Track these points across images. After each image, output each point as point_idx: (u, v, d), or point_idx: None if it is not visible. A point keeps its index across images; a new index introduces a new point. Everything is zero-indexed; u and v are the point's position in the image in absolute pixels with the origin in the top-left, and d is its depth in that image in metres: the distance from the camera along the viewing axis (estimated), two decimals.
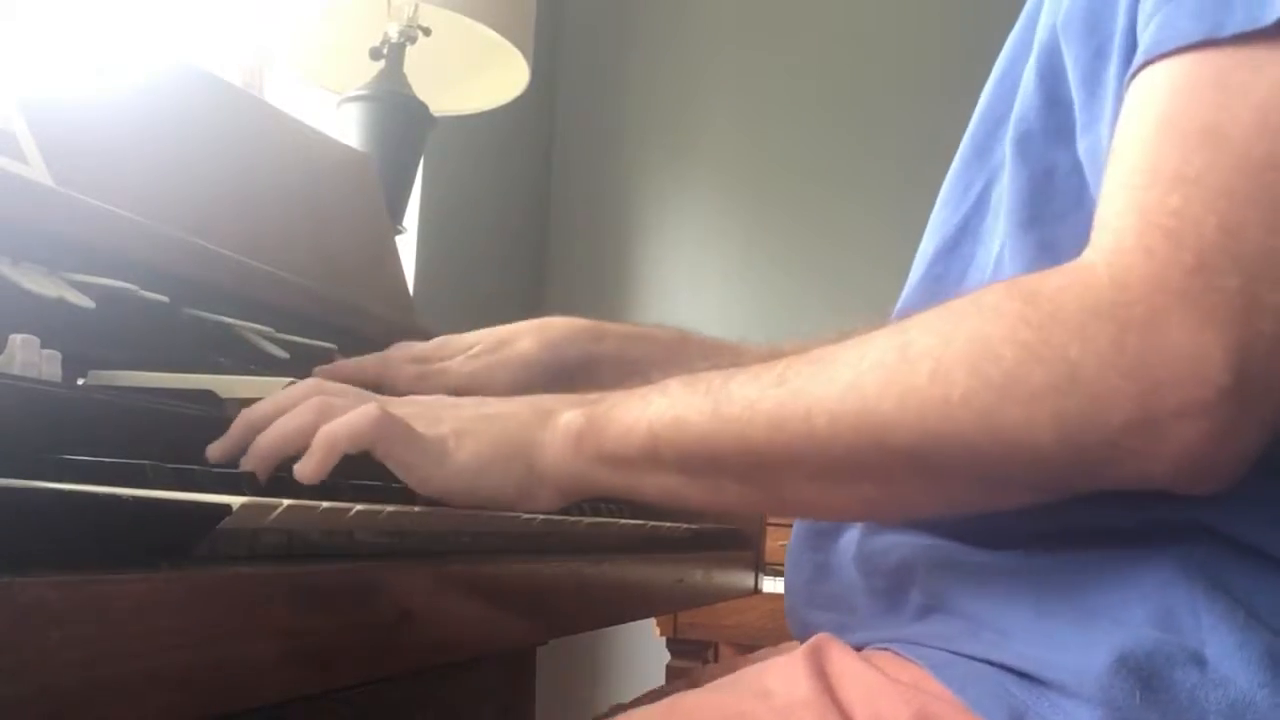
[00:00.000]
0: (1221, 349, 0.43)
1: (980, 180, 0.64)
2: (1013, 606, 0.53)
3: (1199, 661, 0.47)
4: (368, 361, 0.86)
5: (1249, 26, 0.45)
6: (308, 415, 0.54)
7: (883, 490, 0.51)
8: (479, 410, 0.61)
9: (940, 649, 0.54)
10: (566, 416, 0.59)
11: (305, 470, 0.52)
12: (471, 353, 0.86)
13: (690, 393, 0.55)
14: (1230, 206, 0.44)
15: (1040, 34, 0.58)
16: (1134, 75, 0.49)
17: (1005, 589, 0.54)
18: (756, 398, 0.52)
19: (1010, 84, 0.63)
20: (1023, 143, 0.57)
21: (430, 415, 0.59)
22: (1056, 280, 0.47)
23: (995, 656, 0.52)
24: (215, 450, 0.54)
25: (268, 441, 0.54)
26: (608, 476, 0.58)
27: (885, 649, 0.58)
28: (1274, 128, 0.44)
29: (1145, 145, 0.47)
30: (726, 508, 0.58)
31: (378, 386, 0.79)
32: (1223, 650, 0.47)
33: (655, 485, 0.57)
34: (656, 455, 0.56)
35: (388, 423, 0.55)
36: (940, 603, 0.57)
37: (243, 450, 0.54)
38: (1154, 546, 0.51)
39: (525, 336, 0.87)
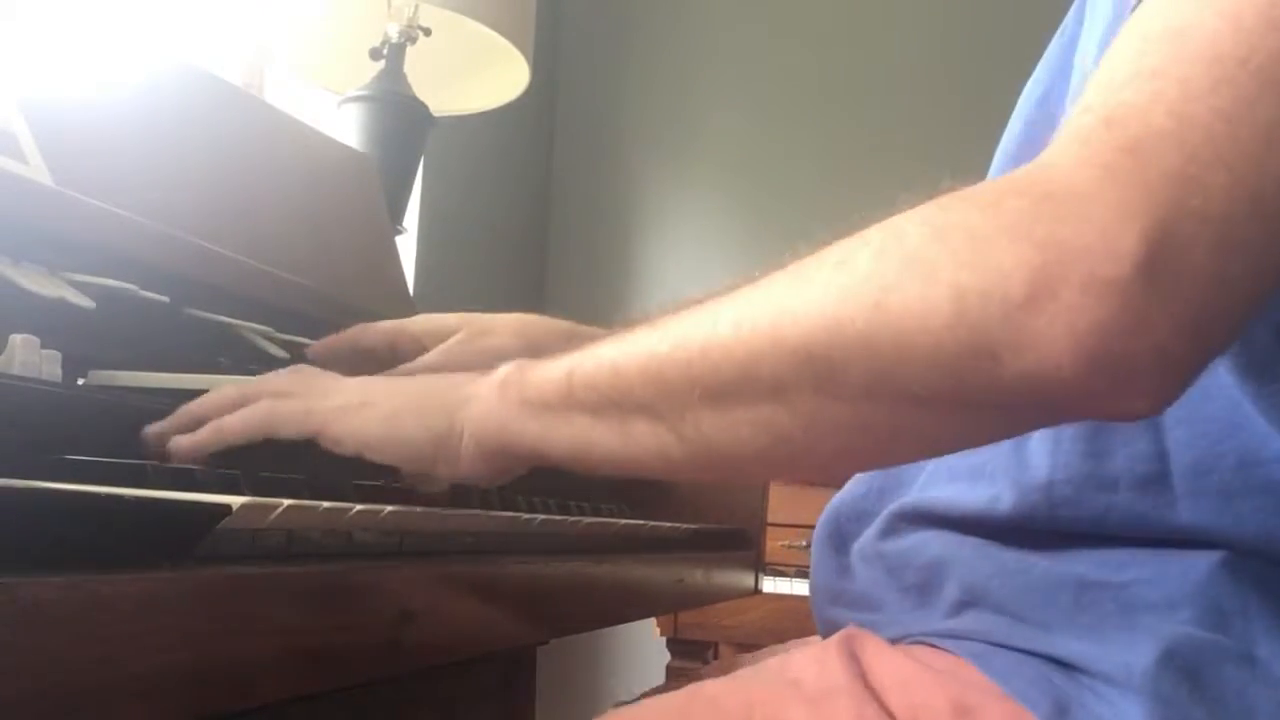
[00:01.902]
0: (1140, 221, 0.39)
1: None
2: (1054, 602, 0.53)
3: (1249, 661, 0.47)
4: (347, 331, 0.85)
5: None
6: (218, 406, 0.57)
7: (784, 411, 0.46)
8: (414, 377, 0.62)
9: (978, 640, 0.54)
10: (501, 368, 0.58)
11: (180, 443, 0.54)
12: (453, 340, 0.85)
13: (618, 334, 0.53)
14: (1182, 96, 0.41)
15: (1082, 63, 0.58)
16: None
17: (1045, 585, 0.54)
18: (673, 321, 0.50)
19: (1047, 112, 0.62)
20: None
21: (366, 384, 0.60)
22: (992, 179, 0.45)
23: (1037, 648, 0.52)
24: (152, 431, 0.56)
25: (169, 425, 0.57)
26: (524, 424, 0.55)
27: (919, 642, 0.57)
28: (1244, 29, 0.41)
29: (1112, 56, 0.45)
30: (637, 461, 0.52)
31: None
32: (1274, 651, 0.47)
33: (568, 432, 0.53)
34: (570, 393, 0.53)
35: (279, 406, 0.57)
36: (977, 598, 0.57)
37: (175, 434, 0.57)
38: (1195, 549, 0.51)
39: (504, 330, 0.86)
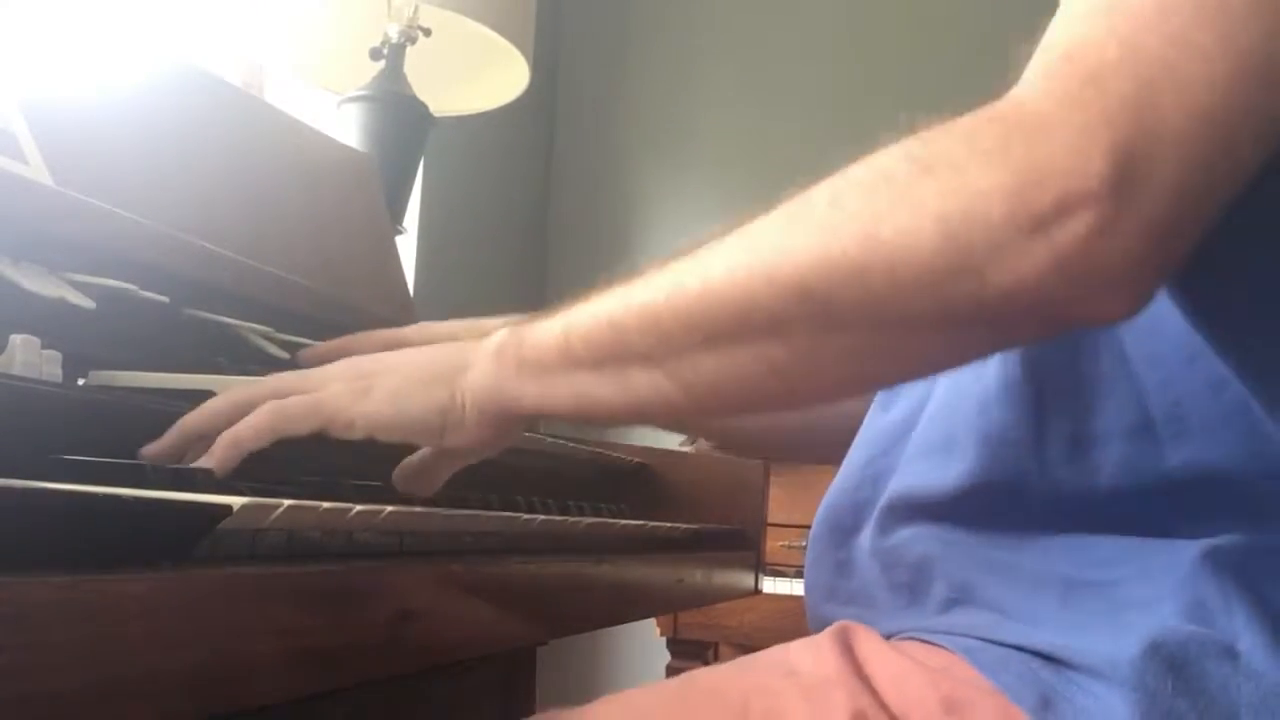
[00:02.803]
0: (1106, 143, 0.42)
1: None
2: (1039, 597, 0.54)
3: (1231, 655, 0.48)
4: (342, 340, 0.85)
5: None
6: (216, 417, 0.56)
7: (781, 347, 0.48)
8: (410, 351, 0.62)
9: (968, 636, 0.55)
10: (494, 335, 0.59)
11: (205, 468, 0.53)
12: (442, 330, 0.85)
13: (609, 289, 0.54)
14: (1133, 28, 0.44)
15: None
16: None
17: (1031, 580, 0.55)
18: (664, 270, 0.52)
19: None
20: None
21: (355, 366, 0.60)
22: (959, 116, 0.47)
23: (1024, 642, 0.52)
24: (151, 452, 0.55)
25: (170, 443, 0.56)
26: (524, 385, 0.56)
27: (911, 638, 0.58)
28: None
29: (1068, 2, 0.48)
30: (639, 410, 0.54)
31: None
32: (1255, 645, 0.48)
33: (569, 390, 0.55)
34: (568, 350, 0.54)
35: (284, 406, 0.56)
36: (965, 595, 0.58)
37: (178, 452, 0.56)
38: (1179, 536, 0.52)
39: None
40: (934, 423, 0.63)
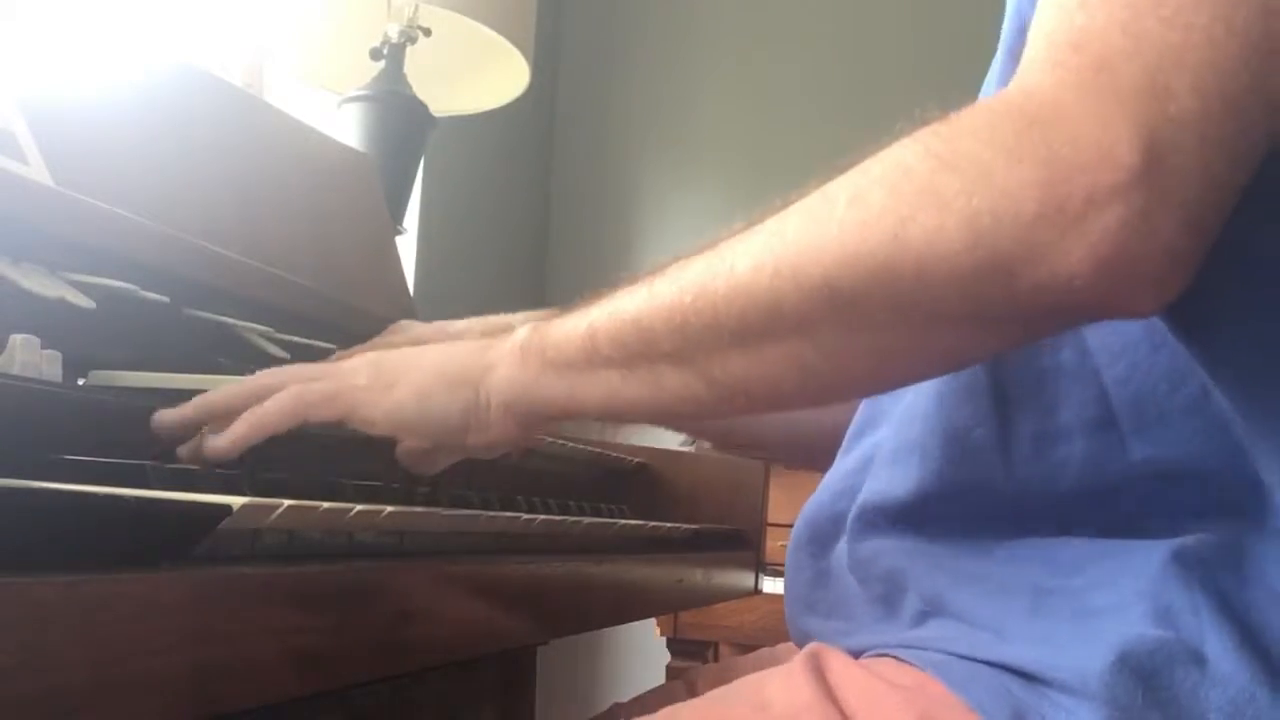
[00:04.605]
0: (1129, 132, 0.42)
1: None
2: (1008, 607, 0.54)
3: (1199, 660, 0.47)
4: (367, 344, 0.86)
5: None
6: (235, 398, 0.57)
7: (809, 345, 0.49)
8: (433, 347, 0.62)
9: (940, 651, 0.54)
10: (516, 333, 0.59)
11: (217, 445, 0.54)
12: (459, 328, 0.86)
13: (631, 285, 0.55)
14: (1132, 15, 0.44)
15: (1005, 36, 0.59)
16: None
17: (1000, 589, 0.55)
18: (686, 268, 0.52)
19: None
20: None
21: (380, 359, 0.60)
22: (971, 106, 0.47)
23: (995, 657, 0.52)
24: (164, 419, 0.56)
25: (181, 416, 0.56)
26: (551, 385, 0.56)
27: (884, 655, 0.57)
28: None
29: None
30: (667, 407, 0.54)
31: None
32: (1222, 648, 0.47)
33: (596, 388, 0.55)
34: (595, 350, 0.54)
35: (307, 391, 0.57)
36: (936, 607, 0.57)
37: (191, 427, 0.56)
38: (1144, 537, 0.52)
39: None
40: (899, 427, 0.62)
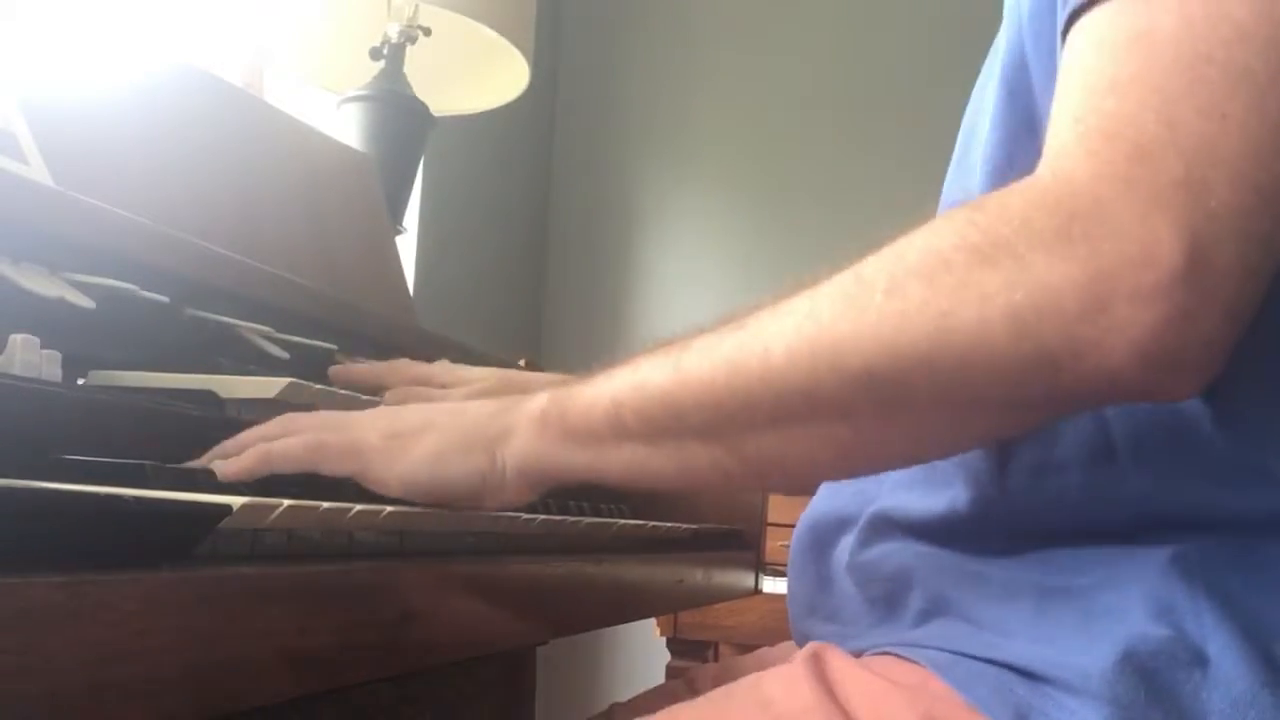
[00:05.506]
0: (1171, 230, 0.42)
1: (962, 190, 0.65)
2: (1012, 608, 0.54)
3: (1201, 661, 0.47)
4: (373, 369, 0.86)
5: None
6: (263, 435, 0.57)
7: (847, 428, 0.49)
8: (449, 408, 0.61)
9: (942, 650, 0.54)
10: (533, 400, 0.58)
11: (225, 470, 0.53)
12: (475, 387, 0.84)
13: (654, 358, 0.54)
14: (1164, 102, 0.44)
15: (1001, 53, 0.59)
16: (1066, 29, 0.49)
17: (1004, 591, 0.55)
18: (715, 345, 0.51)
19: (979, 101, 0.64)
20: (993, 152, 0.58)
21: (394, 422, 0.59)
22: (1002, 190, 0.47)
23: (998, 656, 0.52)
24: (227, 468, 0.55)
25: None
26: (571, 455, 0.56)
27: (885, 653, 0.58)
28: (1197, 27, 0.44)
29: (1083, 67, 0.47)
30: (694, 480, 0.55)
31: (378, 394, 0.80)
32: (1224, 649, 0.47)
33: (620, 460, 0.55)
34: (620, 423, 0.54)
35: (322, 443, 0.57)
36: (939, 607, 0.57)
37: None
38: (1146, 543, 0.52)
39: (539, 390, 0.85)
40: None
